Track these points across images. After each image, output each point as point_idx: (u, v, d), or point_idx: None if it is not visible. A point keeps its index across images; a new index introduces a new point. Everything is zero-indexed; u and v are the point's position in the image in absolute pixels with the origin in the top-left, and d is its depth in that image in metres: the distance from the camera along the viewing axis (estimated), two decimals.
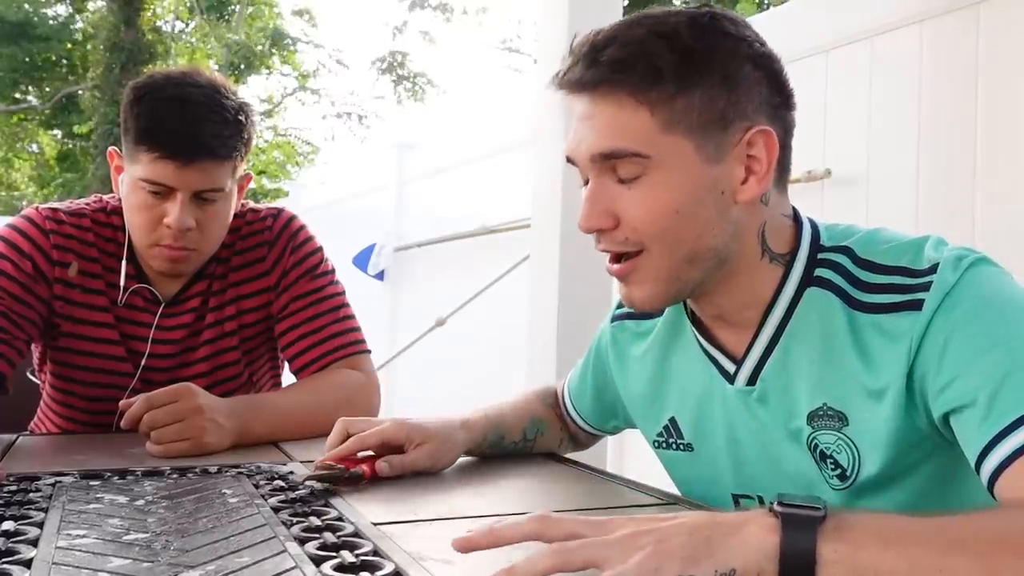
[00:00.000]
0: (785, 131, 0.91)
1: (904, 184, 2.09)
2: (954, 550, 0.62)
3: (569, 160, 0.92)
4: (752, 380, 0.93)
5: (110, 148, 1.43)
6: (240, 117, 1.36)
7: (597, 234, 0.90)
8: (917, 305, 0.81)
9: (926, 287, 0.81)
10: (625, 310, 1.11)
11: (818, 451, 0.89)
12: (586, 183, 0.91)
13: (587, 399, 1.21)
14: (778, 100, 0.90)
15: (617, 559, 0.61)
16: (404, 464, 1.06)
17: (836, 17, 2.25)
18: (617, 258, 0.90)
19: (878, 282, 0.85)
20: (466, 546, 0.67)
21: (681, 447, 1.03)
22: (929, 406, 0.81)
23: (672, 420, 1.03)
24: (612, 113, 0.87)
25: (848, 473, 0.88)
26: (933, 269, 0.82)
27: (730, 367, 0.95)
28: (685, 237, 0.87)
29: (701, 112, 0.85)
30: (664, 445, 1.05)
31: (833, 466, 0.89)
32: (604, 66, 0.86)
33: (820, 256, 0.90)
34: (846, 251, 0.89)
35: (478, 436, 1.15)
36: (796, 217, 0.94)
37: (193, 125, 1.30)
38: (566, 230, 2.32)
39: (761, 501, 0.96)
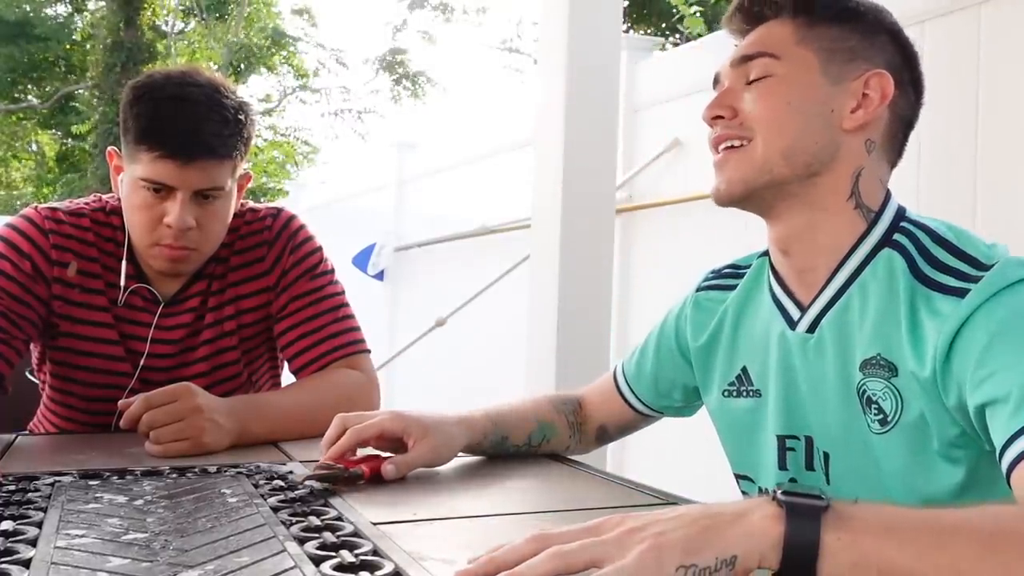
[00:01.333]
0: (907, 105, 1.00)
1: (904, 184, 2.08)
2: (957, 538, 0.62)
3: (715, 80, 1.05)
4: (812, 328, 0.99)
5: (109, 148, 1.43)
6: (240, 116, 1.36)
7: (714, 122, 1.01)
8: (963, 293, 0.86)
9: (978, 279, 0.86)
10: (713, 281, 1.17)
11: (864, 397, 0.94)
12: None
13: (646, 377, 1.23)
14: (906, 77, 1.00)
15: (616, 555, 0.61)
16: (408, 463, 1.06)
17: None
18: (722, 147, 1.01)
19: (947, 263, 0.90)
20: None
21: (751, 393, 1.07)
22: (964, 395, 0.84)
23: (744, 369, 1.08)
24: (762, 30, 1.01)
25: (889, 418, 0.92)
26: (993, 266, 0.86)
27: (795, 313, 1.01)
28: (788, 130, 0.96)
29: (835, 40, 0.98)
30: (734, 393, 1.09)
31: (876, 411, 0.93)
32: None
33: (902, 224, 0.97)
34: (926, 229, 0.95)
35: (477, 434, 1.15)
36: (887, 192, 1.01)
37: (193, 124, 1.30)
38: (566, 230, 2.32)
39: (808, 442, 1.00)
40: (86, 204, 1.45)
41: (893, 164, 1.03)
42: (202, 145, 1.30)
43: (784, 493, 0.64)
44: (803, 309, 1.00)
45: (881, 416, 0.92)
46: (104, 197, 1.47)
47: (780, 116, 0.97)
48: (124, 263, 1.40)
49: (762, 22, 1.02)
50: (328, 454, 1.05)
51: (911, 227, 0.96)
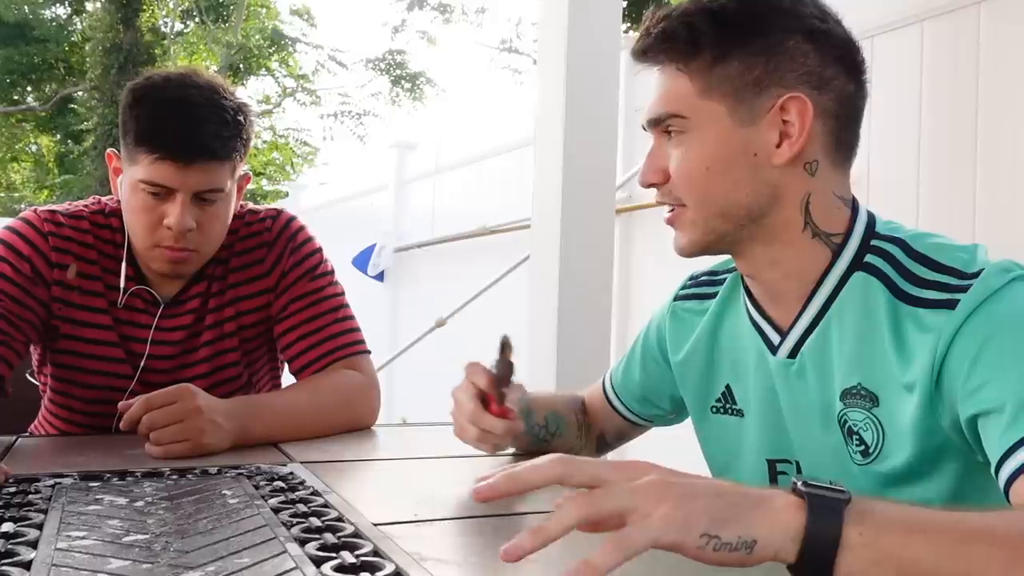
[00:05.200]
0: (839, 104, 0.93)
1: (904, 184, 2.08)
2: (980, 542, 0.62)
3: (644, 127, 1.01)
4: (793, 353, 0.97)
5: (109, 150, 1.43)
6: (239, 117, 1.35)
7: (649, 187, 0.99)
8: (952, 304, 0.84)
9: (965, 289, 0.84)
10: (690, 290, 1.16)
11: (846, 427, 0.92)
12: None
13: (633, 386, 1.23)
14: (831, 72, 0.92)
15: (643, 507, 0.60)
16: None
17: None
18: (666, 212, 0.99)
19: (928, 277, 0.88)
20: (488, 494, 0.66)
21: (734, 412, 1.07)
22: (956, 406, 0.82)
23: (728, 387, 1.07)
24: (662, 81, 0.97)
25: (870, 450, 0.90)
26: (978, 274, 0.84)
27: (775, 338, 0.99)
28: (715, 193, 0.93)
29: (736, 78, 0.92)
30: (722, 411, 1.09)
31: (858, 442, 0.91)
32: (653, 38, 0.96)
33: (873, 243, 0.93)
34: (899, 243, 0.92)
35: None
36: (854, 206, 0.97)
37: (193, 126, 1.30)
38: (566, 230, 2.32)
39: (798, 467, 0.99)
40: (85, 206, 1.45)
41: (849, 163, 0.97)
42: (202, 147, 1.30)
43: (805, 484, 0.63)
44: (782, 333, 0.98)
45: (863, 447, 0.91)
46: (103, 199, 1.47)
47: (702, 184, 0.93)
48: (124, 265, 1.40)
49: (650, 63, 0.97)
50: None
51: (883, 244, 0.92)
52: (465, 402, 1.14)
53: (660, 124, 0.96)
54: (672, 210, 0.98)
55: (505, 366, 1.12)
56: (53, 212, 1.42)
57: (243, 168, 1.41)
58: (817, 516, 0.61)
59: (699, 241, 0.96)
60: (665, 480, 0.62)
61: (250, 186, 1.49)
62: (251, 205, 1.53)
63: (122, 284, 1.40)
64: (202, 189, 1.32)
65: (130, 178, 1.33)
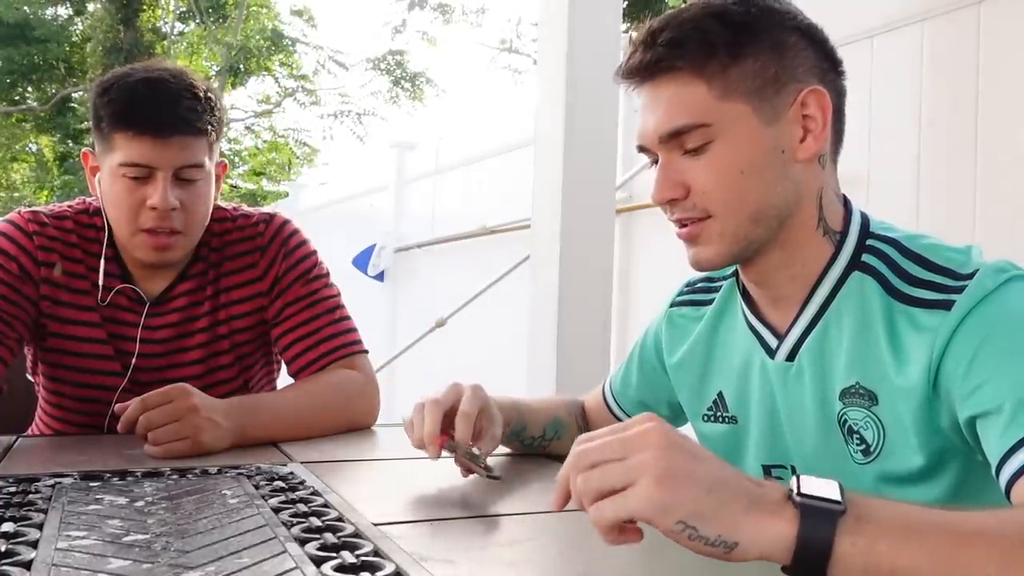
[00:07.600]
0: (837, 95, 0.95)
1: (904, 184, 2.08)
2: (977, 544, 0.61)
3: (640, 148, 0.97)
4: (792, 356, 0.96)
5: (83, 150, 1.43)
6: (210, 95, 1.38)
7: (669, 205, 0.95)
8: (948, 305, 0.84)
9: (960, 290, 0.84)
10: (686, 296, 1.15)
11: (846, 426, 0.92)
12: (654, 163, 0.96)
13: (632, 392, 1.23)
14: (826, 65, 0.94)
15: (635, 481, 0.63)
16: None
17: (836, 17, 2.25)
18: (685, 224, 0.95)
19: (923, 277, 0.88)
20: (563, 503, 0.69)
21: (726, 420, 1.06)
22: (955, 407, 0.82)
23: (720, 394, 1.06)
24: (672, 92, 0.92)
25: (872, 448, 0.90)
26: (972, 275, 0.84)
27: (773, 342, 0.99)
28: (749, 197, 0.91)
29: (754, 78, 0.91)
30: (713, 419, 1.08)
31: (858, 441, 0.91)
32: (662, 47, 0.92)
33: (868, 242, 0.94)
34: (893, 242, 0.93)
35: (505, 419, 1.16)
36: (846, 203, 0.98)
37: (166, 101, 1.32)
38: (566, 230, 2.32)
39: (794, 471, 0.98)
40: (69, 207, 1.46)
41: (837, 158, 0.98)
42: (178, 119, 1.32)
43: (799, 494, 0.62)
44: (779, 337, 0.98)
45: (864, 446, 0.91)
46: (87, 200, 1.48)
47: (737, 188, 0.91)
48: (103, 261, 1.40)
49: (662, 73, 0.92)
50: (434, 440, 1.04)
51: (878, 243, 0.93)
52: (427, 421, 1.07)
53: (676, 137, 0.92)
54: (686, 225, 0.94)
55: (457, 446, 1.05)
56: (36, 212, 1.43)
57: (219, 151, 1.42)
58: (809, 526, 0.61)
59: (727, 252, 0.94)
60: (664, 454, 0.63)
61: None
62: (244, 208, 1.53)
63: (100, 280, 1.40)
64: (182, 165, 1.33)
65: (109, 166, 1.34)
